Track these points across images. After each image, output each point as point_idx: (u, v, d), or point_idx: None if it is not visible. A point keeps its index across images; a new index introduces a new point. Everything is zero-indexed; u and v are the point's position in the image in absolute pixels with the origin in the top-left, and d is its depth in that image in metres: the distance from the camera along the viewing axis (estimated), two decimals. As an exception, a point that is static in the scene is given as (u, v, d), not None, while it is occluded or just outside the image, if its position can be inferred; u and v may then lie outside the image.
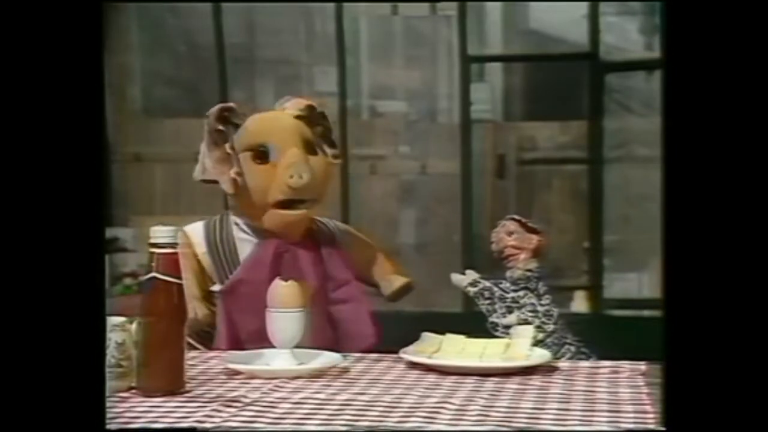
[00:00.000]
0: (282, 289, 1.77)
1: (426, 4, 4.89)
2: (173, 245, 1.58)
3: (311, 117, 2.16)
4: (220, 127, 2.08)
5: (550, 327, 2.25)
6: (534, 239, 2.26)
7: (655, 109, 4.21)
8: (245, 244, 2.10)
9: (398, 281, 2.23)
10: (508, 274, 2.27)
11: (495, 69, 5.11)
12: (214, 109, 2.11)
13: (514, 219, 2.27)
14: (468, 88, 4.69)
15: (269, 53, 5.20)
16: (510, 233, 2.27)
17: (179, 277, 1.58)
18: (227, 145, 2.08)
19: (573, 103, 4.79)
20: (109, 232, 4.50)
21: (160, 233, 1.58)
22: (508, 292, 2.26)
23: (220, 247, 2.10)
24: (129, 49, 5.10)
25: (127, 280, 4.58)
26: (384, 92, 5.19)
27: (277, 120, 2.16)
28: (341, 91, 4.76)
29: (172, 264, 1.57)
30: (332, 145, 2.19)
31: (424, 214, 5.05)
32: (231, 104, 2.15)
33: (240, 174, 2.05)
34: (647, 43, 4.99)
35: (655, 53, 4.60)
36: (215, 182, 2.09)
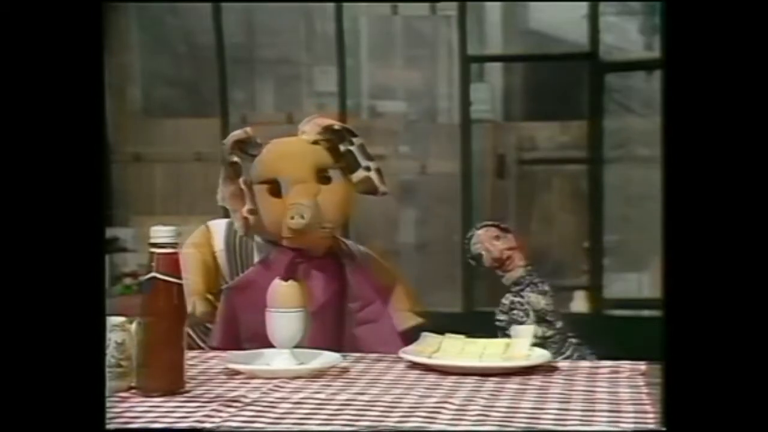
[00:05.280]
0: (282, 289, 1.77)
1: (426, 4, 4.90)
2: (173, 245, 1.58)
3: (330, 139, 2.05)
4: (235, 159, 2.00)
5: (559, 324, 2.27)
6: (514, 238, 2.28)
7: (655, 109, 4.21)
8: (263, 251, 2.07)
9: (411, 320, 2.11)
10: (507, 276, 2.28)
11: (495, 69, 5.12)
12: (229, 140, 2.02)
13: (489, 225, 2.27)
14: (468, 88, 4.70)
15: (269, 53, 5.21)
16: (497, 238, 2.28)
17: (179, 277, 1.57)
18: (241, 180, 2.00)
19: (573, 103, 4.80)
20: (109, 232, 4.51)
21: (160, 233, 1.57)
22: (524, 298, 2.27)
23: (238, 249, 2.07)
24: (129, 49, 5.11)
25: (127, 280, 4.59)
26: (384, 92, 5.20)
27: (289, 150, 2.05)
28: (341, 91, 4.77)
29: (172, 264, 1.57)
30: (365, 158, 2.05)
31: (424, 214, 5.06)
32: (247, 132, 2.04)
33: (253, 212, 1.98)
34: (647, 43, 5.00)
35: (655, 53, 4.61)
36: None
